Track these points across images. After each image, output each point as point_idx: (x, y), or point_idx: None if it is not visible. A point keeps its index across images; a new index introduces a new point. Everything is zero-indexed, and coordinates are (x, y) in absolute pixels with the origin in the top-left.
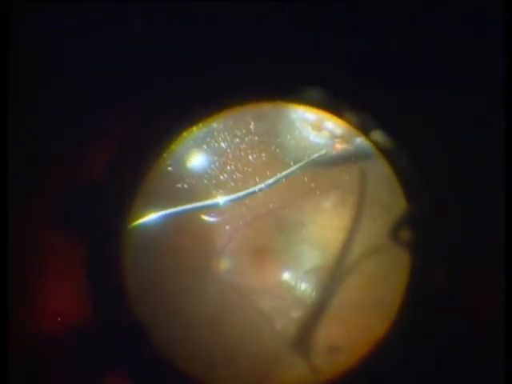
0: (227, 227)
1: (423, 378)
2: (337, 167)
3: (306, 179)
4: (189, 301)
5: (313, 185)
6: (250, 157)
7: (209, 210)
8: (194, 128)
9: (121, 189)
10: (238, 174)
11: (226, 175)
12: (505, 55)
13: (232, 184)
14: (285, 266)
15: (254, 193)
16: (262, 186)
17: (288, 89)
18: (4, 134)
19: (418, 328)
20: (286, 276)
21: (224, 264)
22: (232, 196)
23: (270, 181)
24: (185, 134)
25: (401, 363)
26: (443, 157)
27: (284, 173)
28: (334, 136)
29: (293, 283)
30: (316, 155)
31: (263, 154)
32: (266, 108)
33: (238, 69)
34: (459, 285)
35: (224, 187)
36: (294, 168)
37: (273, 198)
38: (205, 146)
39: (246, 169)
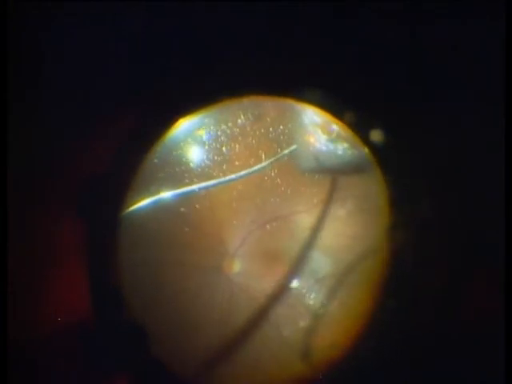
0: (240, 229)
1: (421, 377)
2: (345, 175)
3: (318, 187)
4: (195, 301)
5: (324, 192)
6: (229, 147)
7: (187, 196)
8: (187, 121)
9: (117, 182)
10: (217, 164)
11: (207, 164)
12: (505, 55)
13: (210, 172)
14: (296, 273)
15: (224, 182)
16: (233, 176)
17: (287, 86)
18: (4, 129)
19: (416, 328)
20: (296, 283)
21: (235, 266)
22: (204, 184)
23: (242, 173)
24: (174, 127)
25: (399, 362)
26: (443, 157)
27: (256, 167)
28: (334, 137)
29: (302, 290)
30: (287, 151)
31: (244, 145)
32: (262, 103)
33: (233, 65)
34: (458, 285)
35: (203, 175)
36: (266, 162)
37: (287, 203)
38: (190, 139)
39: (226, 158)
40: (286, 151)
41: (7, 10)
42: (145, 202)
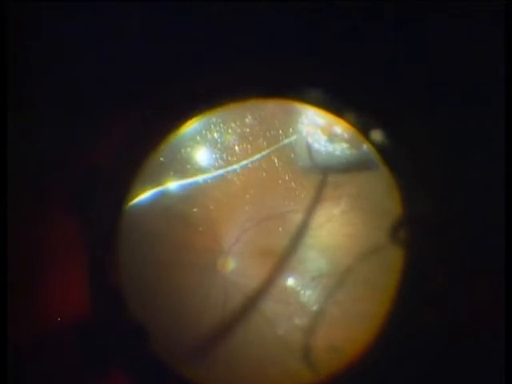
0: (235, 227)
1: (420, 378)
2: (344, 174)
3: (315, 185)
4: (192, 300)
5: (322, 191)
6: (237, 147)
7: (182, 194)
8: (192, 122)
9: (118, 182)
10: (221, 162)
11: (210, 162)
12: (505, 55)
13: (214, 170)
14: (291, 271)
15: (223, 175)
16: (235, 167)
17: (288, 87)
18: (4, 129)
19: (416, 328)
20: (292, 281)
21: (229, 264)
22: (206, 176)
23: (243, 163)
24: (182, 127)
25: (399, 362)
26: (443, 157)
27: (257, 156)
28: (334, 137)
29: (298, 288)
30: (287, 140)
31: (249, 146)
32: (265, 104)
33: (237, 67)
34: (458, 285)
35: (207, 172)
36: (262, 154)
37: (282, 201)
38: (199, 138)
39: (230, 158)
40: (286, 141)
41: (7, 9)
42: (148, 194)
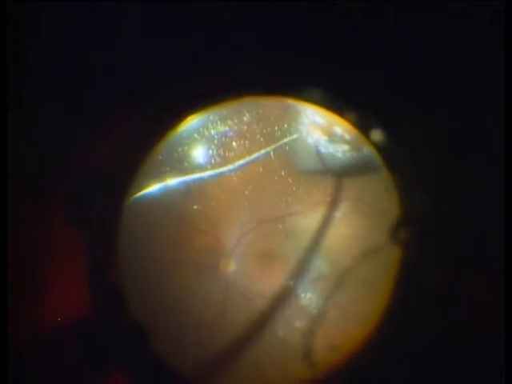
0: (236, 229)
1: (420, 378)
2: (344, 175)
3: (316, 187)
4: (192, 300)
5: (322, 193)
6: (235, 145)
7: (184, 194)
8: (189, 119)
9: (118, 181)
10: (219, 159)
11: (207, 159)
12: (505, 55)
13: (210, 168)
14: (291, 273)
15: (223, 173)
16: (236, 165)
17: (288, 87)
18: (4, 129)
19: (415, 328)
20: (292, 283)
21: (230, 266)
22: (203, 174)
23: (243, 161)
24: (180, 125)
25: (399, 362)
26: (443, 157)
27: (256, 154)
28: (334, 137)
29: (298, 290)
30: (286, 139)
31: (247, 142)
32: (263, 102)
33: (237, 67)
34: (458, 285)
35: (204, 170)
36: (262, 152)
37: (283, 204)
38: (196, 135)
39: (227, 154)
40: (286, 139)
41: (7, 9)
42: (147, 193)
